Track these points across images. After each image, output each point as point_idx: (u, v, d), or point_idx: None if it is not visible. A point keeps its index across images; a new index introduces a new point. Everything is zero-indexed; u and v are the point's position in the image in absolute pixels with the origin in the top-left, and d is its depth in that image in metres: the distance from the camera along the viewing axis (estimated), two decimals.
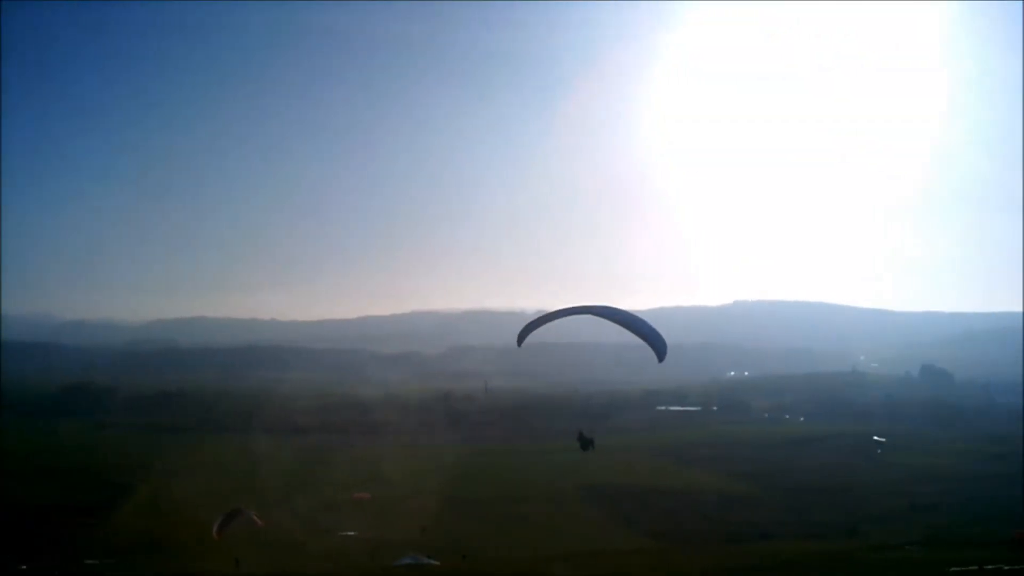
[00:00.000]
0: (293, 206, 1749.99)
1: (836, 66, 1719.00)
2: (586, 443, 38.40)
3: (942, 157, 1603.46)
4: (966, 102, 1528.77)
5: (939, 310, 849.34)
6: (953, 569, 76.49)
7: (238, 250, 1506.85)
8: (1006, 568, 74.74)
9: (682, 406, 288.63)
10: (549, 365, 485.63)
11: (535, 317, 30.49)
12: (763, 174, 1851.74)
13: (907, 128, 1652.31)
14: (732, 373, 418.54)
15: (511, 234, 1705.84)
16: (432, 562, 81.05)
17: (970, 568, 76.11)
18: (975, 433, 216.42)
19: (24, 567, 79.68)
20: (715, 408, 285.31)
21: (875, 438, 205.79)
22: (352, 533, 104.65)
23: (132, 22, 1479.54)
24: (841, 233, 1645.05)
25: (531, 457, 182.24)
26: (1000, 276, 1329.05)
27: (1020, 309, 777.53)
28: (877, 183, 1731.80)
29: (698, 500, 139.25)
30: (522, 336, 30.59)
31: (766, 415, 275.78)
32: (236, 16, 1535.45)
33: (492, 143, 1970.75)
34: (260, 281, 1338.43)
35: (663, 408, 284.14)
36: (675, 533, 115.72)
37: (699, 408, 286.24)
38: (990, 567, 75.81)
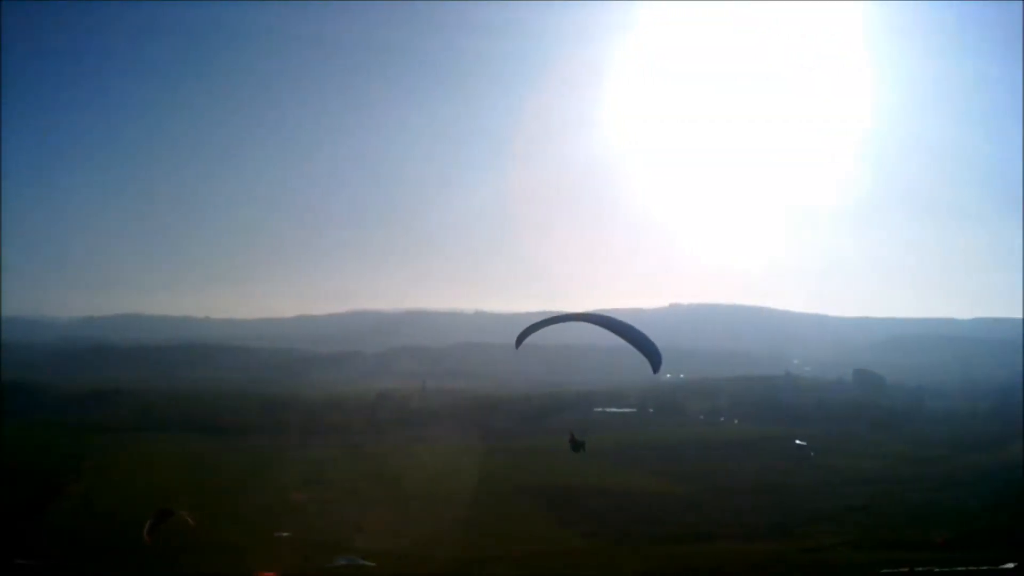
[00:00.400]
0: (229, 203, 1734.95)
1: (778, 72, 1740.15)
2: (577, 445, 39.21)
3: (877, 164, 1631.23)
4: (903, 109, 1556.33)
5: (872, 315, 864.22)
6: (884, 571, 77.67)
7: (172, 247, 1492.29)
8: (936, 570, 76.04)
9: (619, 408, 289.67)
10: (488, 366, 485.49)
11: (535, 320, 30.45)
12: (701, 178, 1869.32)
13: (845, 134, 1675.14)
14: (669, 376, 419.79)
15: (452, 235, 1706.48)
16: (367, 563, 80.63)
17: (901, 569, 77.33)
18: (906, 436, 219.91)
19: None
20: (652, 410, 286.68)
21: (797, 442, 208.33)
22: (287, 534, 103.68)
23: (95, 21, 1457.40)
24: (777, 238, 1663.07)
25: (468, 458, 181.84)
26: (931, 283, 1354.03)
27: (950, 315, 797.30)
28: (813, 188, 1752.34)
29: (634, 501, 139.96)
30: (520, 339, 30.72)
31: (702, 417, 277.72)
32: (198, 15, 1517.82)
33: (434, 144, 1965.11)
34: (194, 278, 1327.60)
35: (600, 410, 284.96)
36: (611, 534, 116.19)
37: (636, 410, 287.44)
38: (920, 568, 77.11)
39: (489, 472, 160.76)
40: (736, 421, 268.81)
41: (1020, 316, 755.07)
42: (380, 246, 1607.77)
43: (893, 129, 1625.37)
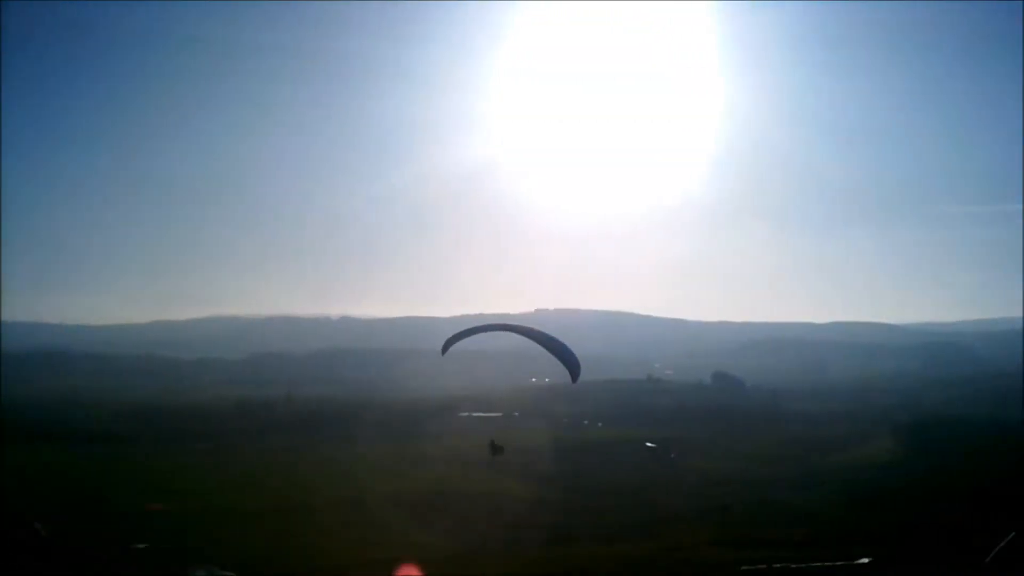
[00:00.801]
0: (82, 205, 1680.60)
1: (640, 77, 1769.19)
2: (496, 450, 40.38)
3: (737, 171, 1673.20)
4: (760, 116, 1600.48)
5: (731, 320, 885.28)
6: (744, 568, 79.05)
7: (22, 250, 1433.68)
8: (793, 566, 77.72)
9: (485, 412, 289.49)
10: (354, 372, 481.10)
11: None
12: (565, 182, 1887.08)
13: (706, 140, 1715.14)
14: (534, 380, 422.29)
15: (317, 239, 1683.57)
16: (226, 574, 78.60)
17: (759, 567, 78.81)
18: (764, 437, 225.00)
19: None
20: (517, 414, 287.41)
21: (647, 444, 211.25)
22: (144, 545, 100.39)
23: None
24: (639, 243, 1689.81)
25: (332, 465, 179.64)
26: (786, 288, 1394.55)
27: (807, 319, 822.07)
28: (673, 193, 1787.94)
29: (499, 505, 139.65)
30: (447, 346, 31.02)
31: (566, 420, 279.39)
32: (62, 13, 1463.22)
33: (298, 147, 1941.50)
34: (46, 283, 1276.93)
35: (466, 414, 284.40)
36: (477, 538, 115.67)
37: (501, 414, 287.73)
38: (778, 566, 78.71)
39: (353, 479, 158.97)
40: (600, 424, 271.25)
41: (873, 320, 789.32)
42: (243, 250, 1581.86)
43: (753, 136, 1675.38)
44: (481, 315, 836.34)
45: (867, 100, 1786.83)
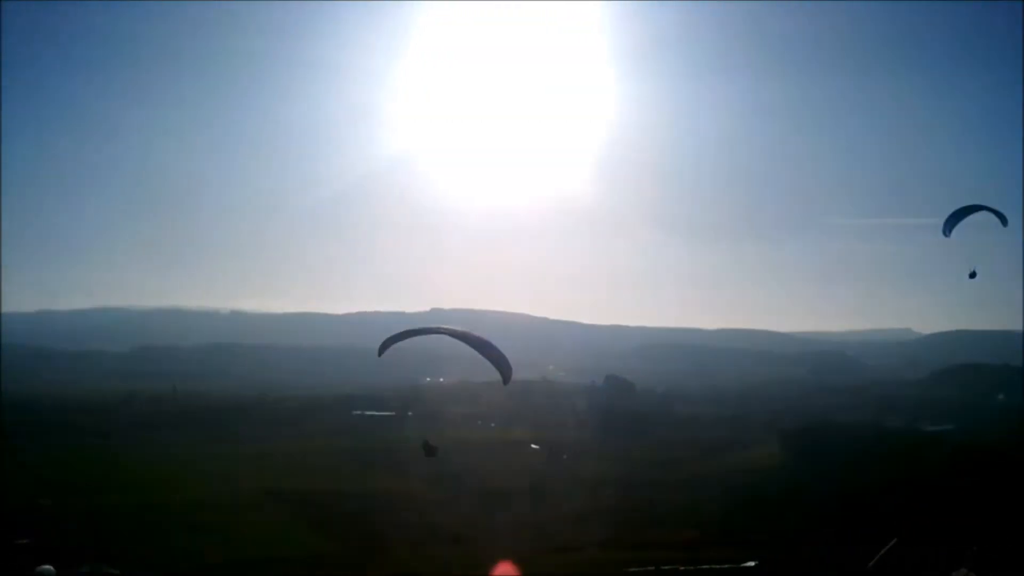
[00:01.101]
0: None
1: (540, 82, 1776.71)
2: (430, 450, 39.57)
3: (634, 178, 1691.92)
4: (661, 124, 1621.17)
5: (624, 324, 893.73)
6: (632, 569, 79.53)
7: None
8: (680, 569, 78.44)
9: (378, 411, 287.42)
10: (243, 367, 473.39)
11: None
12: (464, 182, 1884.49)
13: (605, 147, 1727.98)
14: (428, 379, 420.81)
15: (208, 232, 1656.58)
16: (112, 571, 76.42)
17: (647, 568, 79.38)
18: (654, 440, 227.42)
19: None
20: (411, 413, 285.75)
21: (533, 446, 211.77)
22: (25, 541, 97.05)
23: None
24: (535, 246, 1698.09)
25: (217, 462, 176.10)
26: (679, 294, 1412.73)
27: (697, 325, 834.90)
28: (569, 199, 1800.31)
29: (389, 505, 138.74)
30: (383, 348, 30.59)
31: (460, 420, 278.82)
32: None
33: (190, 140, 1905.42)
34: None
35: (359, 413, 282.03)
36: (365, 537, 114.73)
37: (394, 413, 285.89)
38: (666, 567, 79.40)
39: (240, 476, 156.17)
40: (493, 425, 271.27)
41: (762, 327, 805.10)
42: (131, 241, 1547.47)
43: (651, 142, 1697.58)
44: (377, 312, 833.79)
45: (759, 110, 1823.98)
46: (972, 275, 29.83)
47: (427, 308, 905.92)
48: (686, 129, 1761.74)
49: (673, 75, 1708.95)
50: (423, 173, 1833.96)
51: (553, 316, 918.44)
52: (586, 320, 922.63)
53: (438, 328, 29.69)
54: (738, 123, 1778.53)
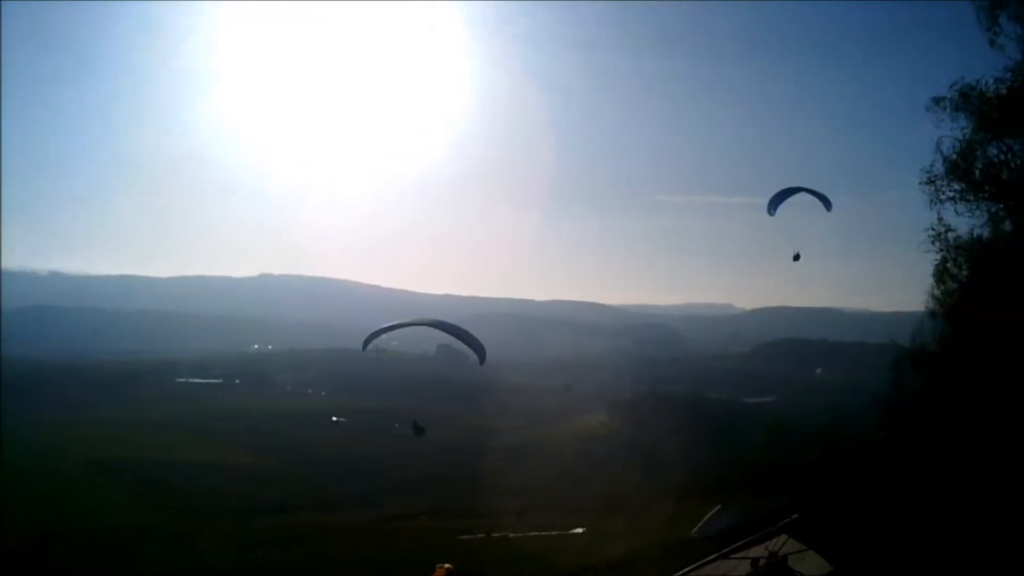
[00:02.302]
0: None
1: (392, 52, 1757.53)
2: (420, 430, 39.41)
3: (468, 152, 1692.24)
4: (483, 95, 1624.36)
5: (456, 294, 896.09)
6: (462, 536, 80.00)
7: None
8: (511, 535, 79.39)
9: (204, 379, 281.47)
10: (63, 331, 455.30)
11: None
12: (297, 147, 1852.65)
13: (443, 120, 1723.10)
14: (256, 346, 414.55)
15: (27, 189, 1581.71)
16: None
17: (478, 535, 80.00)
18: (485, 409, 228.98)
19: None
20: (238, 381, 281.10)
21: (333, 419, 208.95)
22: None
23: None
24: (367, 213, 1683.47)
25: (37, 430, 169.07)
26: (511, 265, 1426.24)
27: (527, 296, 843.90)
28: (407, 169, 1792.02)
29: (216, 474, 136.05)
30: (367, 342, 29.93)
31: (288, 388, 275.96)
32: None
33: (16, 96, 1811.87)
34: None
35: (184, 380, 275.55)
36: (191, 507, 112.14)
37: (221, 381, 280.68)
38: (496, 535, 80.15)
39: (56, 445, 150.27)
40: (324, 393, 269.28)
41: (589, 300, 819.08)
42: None
43: (484, 115, 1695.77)
44: (202, 277, 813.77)
45: (595, 87, 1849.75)
46: (796, 257, 30.53)
47: (256, 273, 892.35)
48: (522, 102, 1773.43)
49: (515, 46, 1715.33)
50: (253, 141, 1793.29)
51: (385, 284, 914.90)
52: (418, 289, 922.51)
53: (418, 321, 29.94)
54: (573, 98, 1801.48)
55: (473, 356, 29.51)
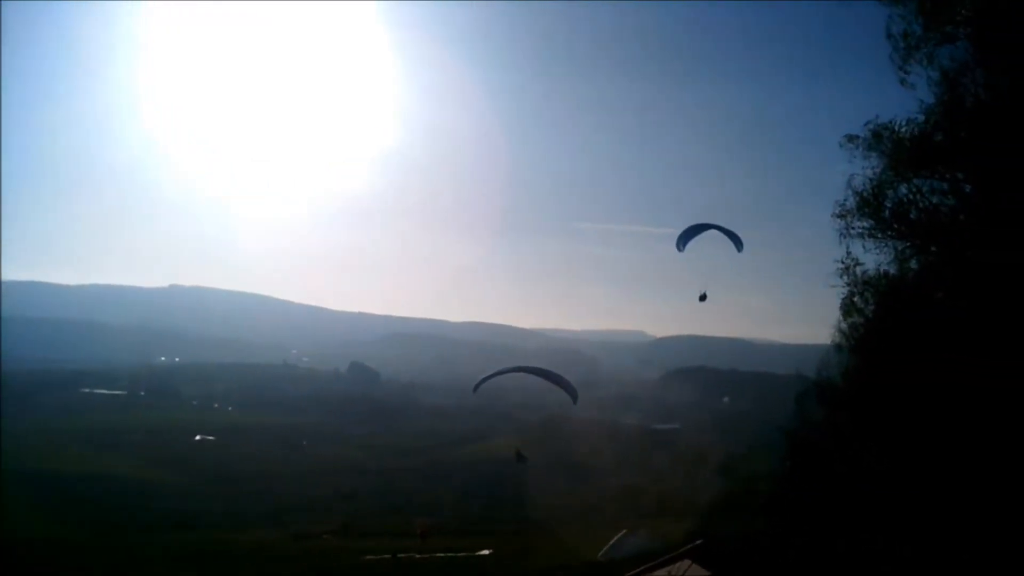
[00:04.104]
0: None
1: (310, 71, 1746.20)
2: (521, 458, 41.22)
3: (376, 169, 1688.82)
4: (406, 118, 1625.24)
5: (370, 312, 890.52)
6: (368, 557, 79.53)
7: None
8: (417, 556, 79.06)
9: (110, 390, 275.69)
10: None
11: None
12: (212, 158, 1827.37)
13: (348, 137, 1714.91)
14: (164, 358, 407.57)
15: None
16: None
17: (383, 556, 79.58)
18: (396, 429, 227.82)
19: None
20: (143, 393, 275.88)
21: (197, 437, 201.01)
22: None
23: None
24: (283, 228, 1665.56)
25: None
26: (427, 286, 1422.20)
27: (443, 317, 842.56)
28: (324, 182, 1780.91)
29: (118, 487, 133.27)
30: (478, 386, 30.90)
31: (195, 403, 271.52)
32: None
33: None
34: None
35: (89, 391, 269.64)
36: (91, 522, 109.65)
37: (127, 392, 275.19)
38: (402, 555, 79.81)
39: None
40: (231, 408, 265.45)
41: (505, 322, 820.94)
42: None
43: (405, 137, 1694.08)
44: (111, 286, 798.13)
45: (519, 111, 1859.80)
46: (702, 298, 31.04)
47: (166, 284, 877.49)
48: (443, 123, 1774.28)
49: (436, 69, 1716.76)
50: (167, 150, 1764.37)
51: (298, 300, 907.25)
52: (332, 306, 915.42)
53: (526, 367, 31.28)
54: (495, 121, 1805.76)
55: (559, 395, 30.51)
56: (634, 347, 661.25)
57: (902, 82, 29.42)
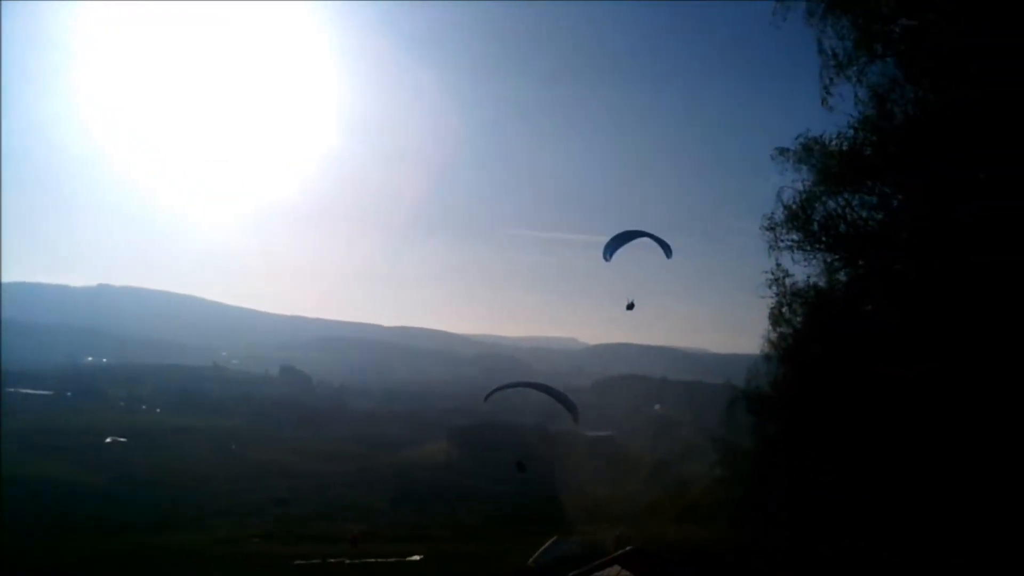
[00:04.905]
0: None
1: (248, 67, 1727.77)
2: (521, 467, 41.23)
3: (321, 175, 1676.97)
4: (344, 118, 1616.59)
5: (303, 315, 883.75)
6: (297, 562, 78.98)
7: None
8: (347, 562, 78.67)
9: (35, 389, 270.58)
10: None
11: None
12: (144, 157, 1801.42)
13: (299, 138, 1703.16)
14: (91, 359, 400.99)
15: None
16: None
17: (313, 561, 79.09)
18: (328, 434, 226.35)
19: None
20: (70, 394, 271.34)
21: (108, 439, 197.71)
22: None
23: None
24: (215, 229, 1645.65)
25: None
26: (359, 290, 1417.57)
27: (375, 321, 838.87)
28: (257, 184, 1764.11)
29: (45, 490, 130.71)
30: (489, 396, 31.20)
31: (122, 404, 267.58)
32: None
33: None
34: None
35: (13, 390, 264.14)
36: (11, 525, 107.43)
37: (52, 393, 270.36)
38: (332, 560, 79.39)
39: None
40: (159, 410, 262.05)
41: (436, 327, 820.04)
42: None
43: (340, 139, 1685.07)
44: (39, 284, 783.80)
45: (460, 115, 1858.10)
46: (630, 306, 31.17)
47: (95, 283, 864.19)
48: (378, 124, 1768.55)
49: (372, 68, 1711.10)
50: (100, 147, 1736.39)
51: (230, 302, 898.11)
52: (263, 308, 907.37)
53: (532, 383, 31.99)
54: (430, 126, 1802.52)
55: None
56: (568, 354, 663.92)
57: (823, 102, 29.95)
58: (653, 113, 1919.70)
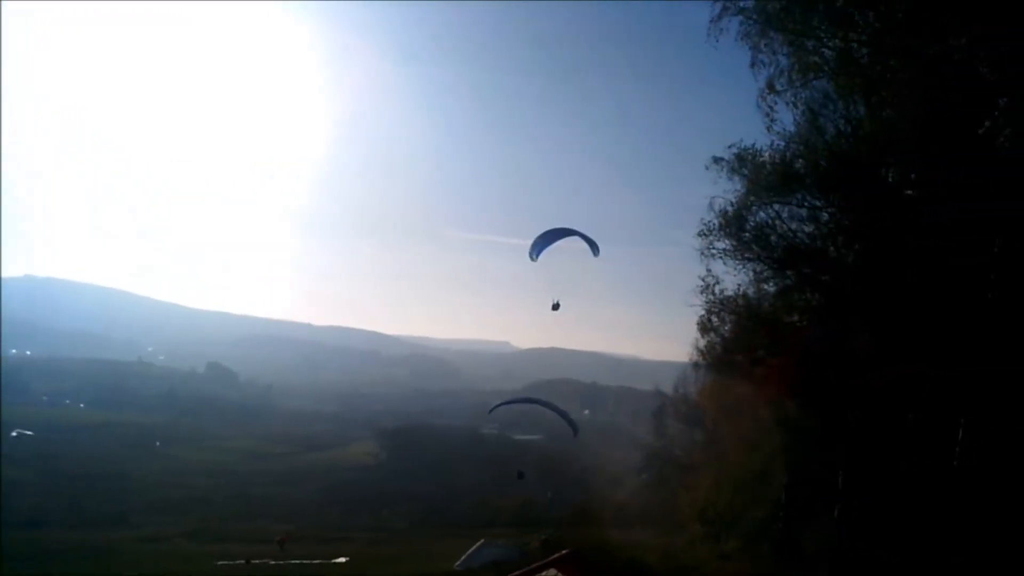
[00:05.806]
0: None
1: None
2: (520, 474, 41.78)
3: (259, 167, 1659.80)
4: (281, 112, 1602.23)
5: (230, 311, 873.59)
6: (221, 562, 78.18)
7: None
8: (271, 562, 78.10)
9: None
10: None
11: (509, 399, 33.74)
12: (74, 146, 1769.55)
13: (231, 131, 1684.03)
14: (14, 351, 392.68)
15: None
16: None
17: (237, 561, 78.35)
18: (254, 432, 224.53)
19: None
20: None
21: (14, 432, 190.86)
22: None
23: None
24: (142, 220, 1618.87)
25: None
26: (290, 287, 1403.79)
27: (305, 320, 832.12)
28: (186, 174, 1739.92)
29: None
30: (493, 409, 31.92)
31: (45, 398, 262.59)
32: None
33: None
34: None
35: None
36: None
37: None
38: (256, 561, 78.74)
39: None
40: (82, 404, 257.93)
41: (368, 328, 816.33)
42: None
43: (282, 133, 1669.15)
44: None
45: (391, 115, 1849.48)
46: (555, 307, 31.24)
47: (20, 274, 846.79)
48: (310, 123, 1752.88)
49: (303, 61, 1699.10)
50: (24, 141, 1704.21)
51: (156, 296, 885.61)
52: (190, 303, 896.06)
53: (537, 399, 32.74)
54: (363, 123, 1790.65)
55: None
56: (499, 357, 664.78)
57: (767, 118, 30.39)
58: (593, 116, 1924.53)
